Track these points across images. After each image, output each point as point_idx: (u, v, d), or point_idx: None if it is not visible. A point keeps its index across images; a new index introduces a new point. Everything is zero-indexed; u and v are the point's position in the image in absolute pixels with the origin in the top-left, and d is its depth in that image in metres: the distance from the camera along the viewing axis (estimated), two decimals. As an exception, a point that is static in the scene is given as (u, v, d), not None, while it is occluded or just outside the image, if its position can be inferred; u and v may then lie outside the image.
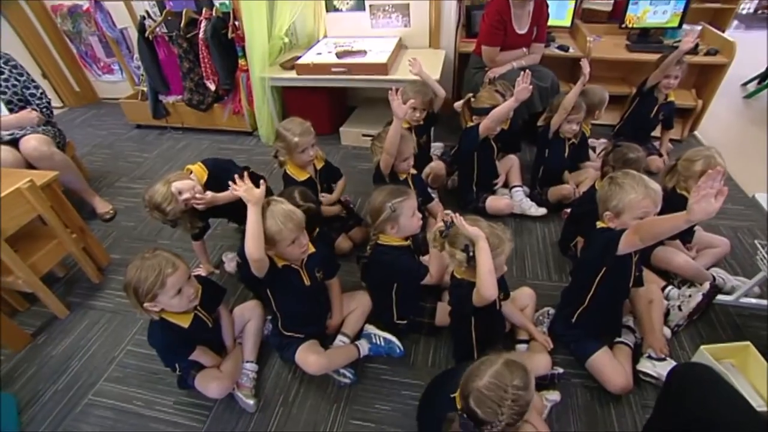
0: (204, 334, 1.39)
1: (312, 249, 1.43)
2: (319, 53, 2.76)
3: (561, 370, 1.49)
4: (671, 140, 2.81)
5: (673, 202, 1.75)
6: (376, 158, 1.81)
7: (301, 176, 1.82)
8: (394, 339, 1.56)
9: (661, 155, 2.67)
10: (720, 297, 1.77)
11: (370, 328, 1.60)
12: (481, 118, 1.98)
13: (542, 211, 2.20)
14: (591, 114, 2.23)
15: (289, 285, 1.39)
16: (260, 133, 3.07)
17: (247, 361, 1.52)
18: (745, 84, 3.74)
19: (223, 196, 1.59)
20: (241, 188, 1.27)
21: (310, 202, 1.56)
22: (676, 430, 1.00)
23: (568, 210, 2.15)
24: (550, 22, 2.82)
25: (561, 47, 2.86)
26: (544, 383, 1.45)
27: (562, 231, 2.07)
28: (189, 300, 1.26)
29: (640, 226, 1.19)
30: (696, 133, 2.99)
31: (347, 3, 2.91)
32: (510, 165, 2.34)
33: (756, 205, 1.66)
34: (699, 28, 2.96)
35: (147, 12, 2.92)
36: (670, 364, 1.44)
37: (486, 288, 1.18)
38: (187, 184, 1.53)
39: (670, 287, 1.77)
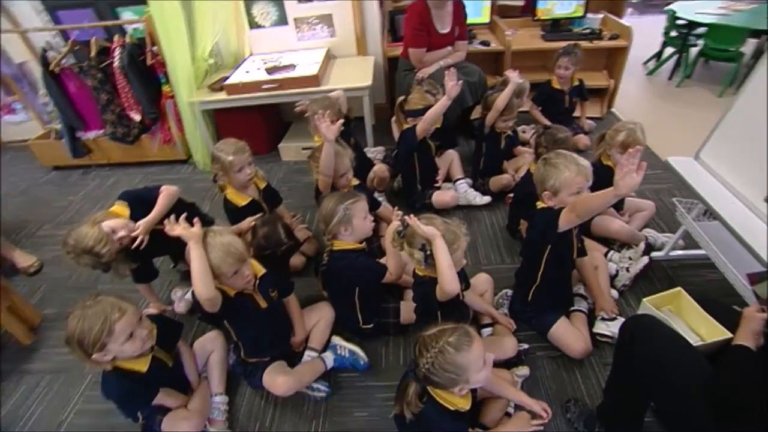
0: (165, 375, 1.34)
1: (261, 270, 1.42)
2: (248, 71, 2.74)
3: (526, 346, 1.58)
4: (593, 118, 3.12)
5: (600, 173, 1.92)
6: (315, 176, 1.81)
7: (242, 201, 1.79)
8: (358, 351, 1.58)
9: (586, 133, 2.92)
10: (653, 254, 1.99)
11: (337, 340, 1.61)
12: (416, 120, 2.07)
13: (487, 199, 2.34)
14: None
15: (246, 312, 1.38)
16: (196, 160, 2.99)
17: (216, 395, 1.49)
18: (646, 62, 4.22)
19: (154, 216, 1.55)
20: (177, 228, 1.26)
21: (292, 237, 1.57)
22: (632, 376, 1.12)
23: (511, 195, 2.29)
24: (469, 21, 2.99)
25: (483, 43, 3.06)
26: (513, 361, 1.53)
27: (509, 215, 2.20)
28: (143, 342, 1.21)
29: (576, 204, 1.29)
30: (613, 109, 3.33)
31: (270, 18, 2.92)
32: (450, 159, 2.46)
33: (670, 168, 1.87)
34: (600, 16, 3.29)
35: (48, 43, 2.74)
36: (621, 321, 1.52)
37: (448, 283, 1.22)
38: (119, 222, 1.49)
39: (611, 252, 1.95)
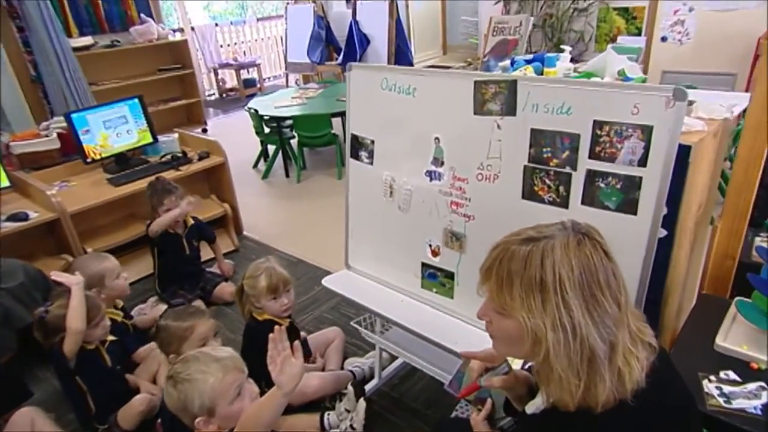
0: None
1: None
2: None
3: None
4: (229, 254, 3.39)
5: (264, 332, 2.07)
6: None
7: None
8: None
9: (227, 279, 3.08)
10: (368, 387, 2.24)
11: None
12: None
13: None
14: (102, 288, 2.31)
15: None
16: None
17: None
18: (256, 166, 5.05)
19: None
20: None
21: None
22: None
23: (161, 421, 2.07)
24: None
25: (16, 217, 2.78)
26: None
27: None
28: None
29: (244, 425, 1.38)
30: (246, 233, 3.74)
31: None
32: (28, 424, 2.01)
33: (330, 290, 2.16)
34: (175, 136, 3.67)
35: None
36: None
37: None
38: None
39: (326, 415, 2.09)
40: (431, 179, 1.76)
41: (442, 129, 1.69)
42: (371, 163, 1.96)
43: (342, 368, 2.33)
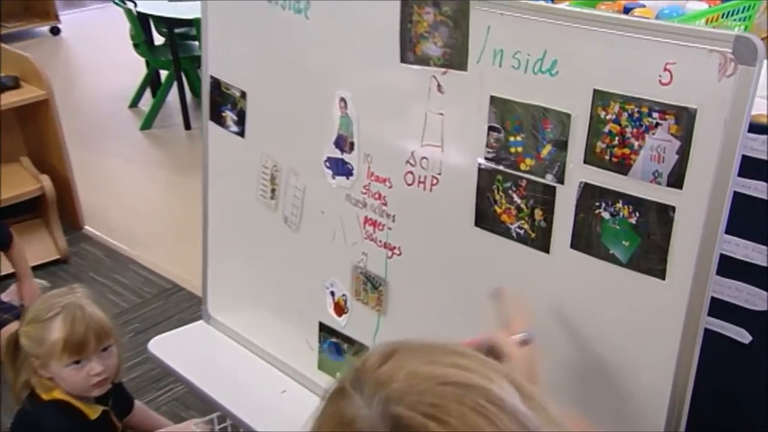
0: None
1: None
2: None
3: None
4: (42, 267, 3.36)
5: (38, 423, 2.10)
6: None
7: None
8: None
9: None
10: None
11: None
12: None
13: None
14: None
15: None
16: None
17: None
18: (135, 104, 5.11)
19: None
20: None
21: None
22: None
23: None
24: None
25: None
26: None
27: None
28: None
29: None
30: (87, 229, 3.76)
31: None
32: None
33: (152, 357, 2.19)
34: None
35: None
36: None
37: None
38: None
39: None
40: (334, 173, 1.76)
41: (352, 83, 1.71)
42: (241, 134, 2.00)
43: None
